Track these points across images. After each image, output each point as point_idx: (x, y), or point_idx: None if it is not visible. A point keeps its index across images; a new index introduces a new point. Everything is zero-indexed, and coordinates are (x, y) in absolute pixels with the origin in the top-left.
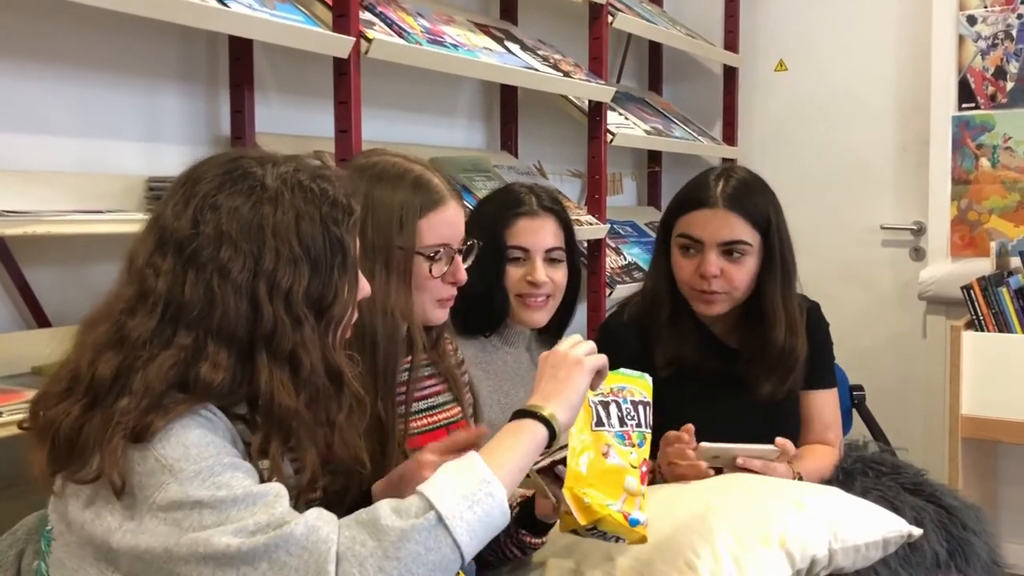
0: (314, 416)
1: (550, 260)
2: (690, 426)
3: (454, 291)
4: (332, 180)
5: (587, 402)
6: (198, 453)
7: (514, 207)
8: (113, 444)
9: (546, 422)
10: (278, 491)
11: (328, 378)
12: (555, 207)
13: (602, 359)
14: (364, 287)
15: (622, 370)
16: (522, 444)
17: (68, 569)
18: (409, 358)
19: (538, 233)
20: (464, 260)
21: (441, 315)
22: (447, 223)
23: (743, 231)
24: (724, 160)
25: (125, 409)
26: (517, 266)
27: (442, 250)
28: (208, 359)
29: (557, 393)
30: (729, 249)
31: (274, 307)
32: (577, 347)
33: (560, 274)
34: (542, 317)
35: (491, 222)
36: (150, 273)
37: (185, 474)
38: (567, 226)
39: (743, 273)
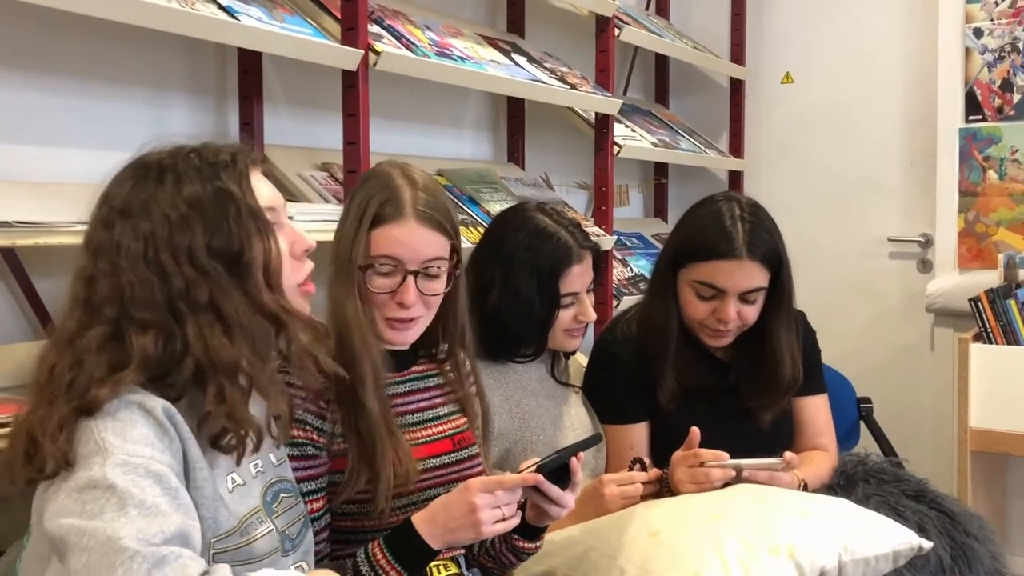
0: (261, 357)
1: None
2: (695, 430)
3: (402, 313)
4: (221, 144)
5: None
6: (133, 449)
7: (566, 259)
8: (56, 421)
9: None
10: (179, 525)
11: (263, 317)
12: (590, 243)
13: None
14: (293, 237)
15: None
16: None
17: (33, 558)
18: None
19: (585, 275)
20: (446, 285)
21: (395, 336)
22: (398, 241)
23: (763, 277)
24: (731, 172)
25: (69, 387)
26: (568, 309)
27: (387, 265)
28: (135, 324)
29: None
30: (748, 294)
31: (180, 266)
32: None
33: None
34: (581, 342)
35: (547, 279)
36: (79, 271)
37: (114, 459)
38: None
39: (756, 311)
